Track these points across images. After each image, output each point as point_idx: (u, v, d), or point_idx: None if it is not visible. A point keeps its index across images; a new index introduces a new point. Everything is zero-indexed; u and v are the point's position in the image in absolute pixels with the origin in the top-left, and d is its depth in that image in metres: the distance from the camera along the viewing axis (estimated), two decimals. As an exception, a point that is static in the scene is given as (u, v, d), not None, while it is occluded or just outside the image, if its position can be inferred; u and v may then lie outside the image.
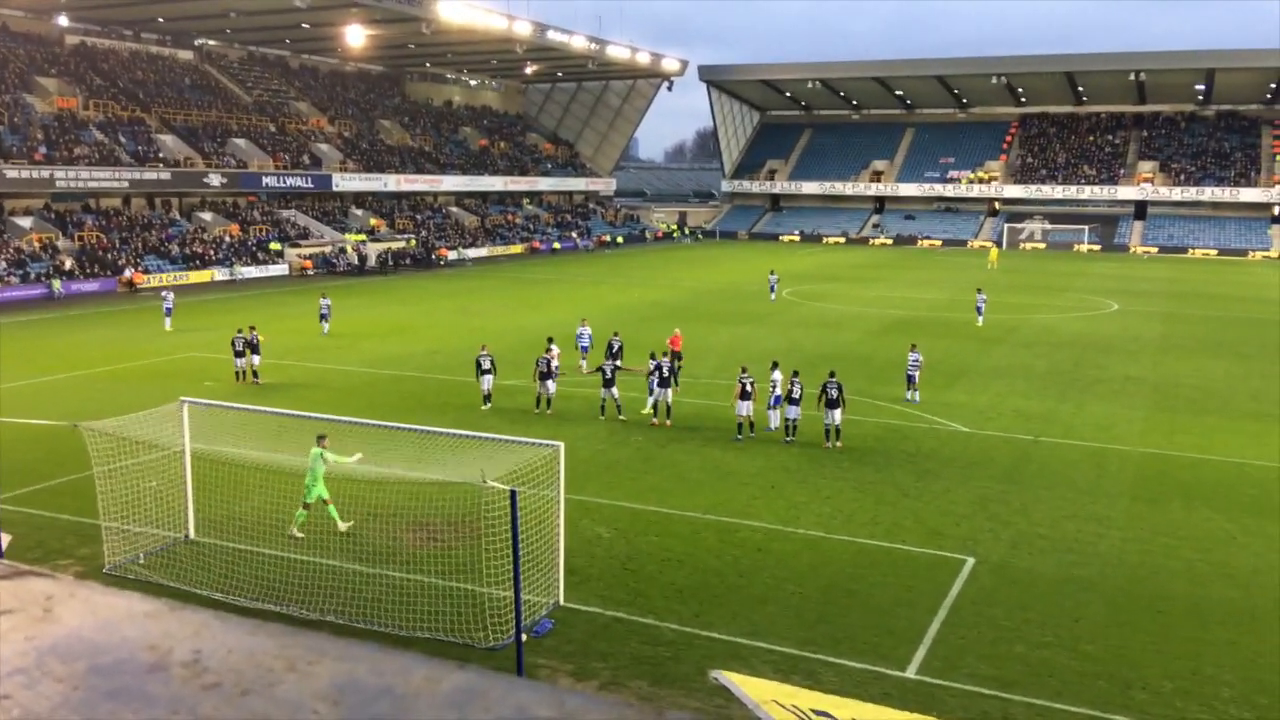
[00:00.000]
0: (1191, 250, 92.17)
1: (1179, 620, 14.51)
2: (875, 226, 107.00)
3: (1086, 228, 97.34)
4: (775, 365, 25.59)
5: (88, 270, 57.79)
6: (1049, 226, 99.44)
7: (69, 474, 20.19)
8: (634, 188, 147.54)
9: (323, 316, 40.62)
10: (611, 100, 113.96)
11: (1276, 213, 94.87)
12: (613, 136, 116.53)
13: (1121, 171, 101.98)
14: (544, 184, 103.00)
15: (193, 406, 17.32)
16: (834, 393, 23.42)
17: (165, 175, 66.65)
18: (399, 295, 55.51)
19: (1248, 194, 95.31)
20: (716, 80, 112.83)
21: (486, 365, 26.99)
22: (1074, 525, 18.44)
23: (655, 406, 25.73)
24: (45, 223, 61.14)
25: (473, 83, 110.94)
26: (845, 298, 54.80)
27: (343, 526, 17.26)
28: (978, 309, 44.45)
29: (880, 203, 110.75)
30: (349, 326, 41.64)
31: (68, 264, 57.26)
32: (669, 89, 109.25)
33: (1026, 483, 21.08)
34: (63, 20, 73.32)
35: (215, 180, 69.69)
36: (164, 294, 43.81)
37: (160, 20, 76.26)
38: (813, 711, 11.74)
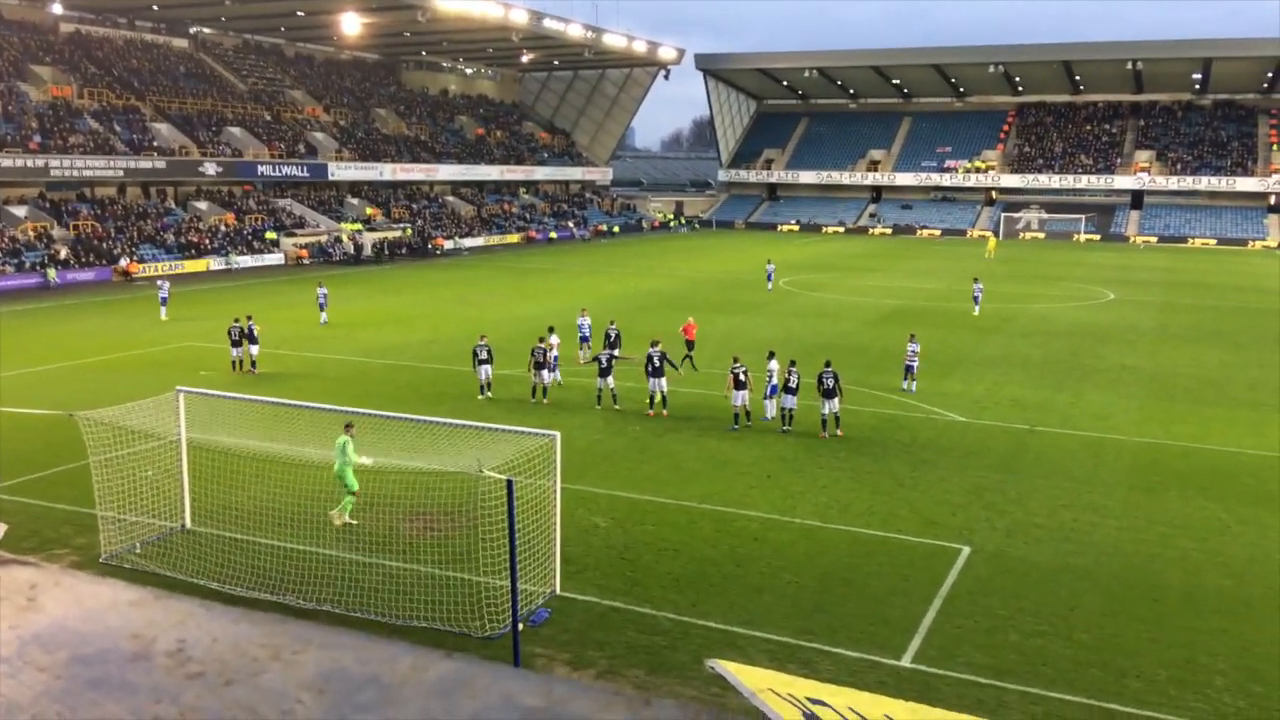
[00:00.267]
0: (1191, 240, 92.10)
1: (1174, 609, 14.55)
2: (872, 216, 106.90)
3: (1083, 217, 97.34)
4: (772, 355, 25.55)
5: (83, 259, 57.63)
6: (1045, 216, 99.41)
7: (65, 463, 20.17)
8: (630, 177, 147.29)
9: (320, 306, 40.60)
10: (608, 89, 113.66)
11: (1273, 202, 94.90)
12: (609, 125, 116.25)
13: (1118, 161, 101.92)
14: (540, 173, 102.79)
15: (188, 396, 17.28)
16: (830, 382, 23.41)
17: (160, 164, 66.43)
18: (395, 285, 55.43)
19: (1244, 183, 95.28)
20: (713, 69, 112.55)
21: (484, 355, 26.97)
22: (1070, 514, 18.47)
23: (651, 398, 25.67)
24: (40, 212, 60.95)
25: (468, 71, 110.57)
26: (842, 287, 54.78)
27: (338, 521, 17.23)
28: (974, 298, 44.47)
29: (877, 192, 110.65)
30: (345, 316, 41.59)
31: (63, 253, 57.09)
32: (665, 78, 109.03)
33: (1022, 472, 21.11)
34: (56, 8, 72.92)
35: (210, 169, 69.48)
36: (159, 283, 43.71)
37: (155, 8, 75.91)
38: (809, 700, 11.75)
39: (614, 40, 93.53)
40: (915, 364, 28.56)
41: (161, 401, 17.35)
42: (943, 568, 15.88)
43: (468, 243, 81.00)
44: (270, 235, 68.73)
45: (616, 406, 25.90)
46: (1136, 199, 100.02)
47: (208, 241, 64.88)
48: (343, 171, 79.81)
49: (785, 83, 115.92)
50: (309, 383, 29.12)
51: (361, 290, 51.96)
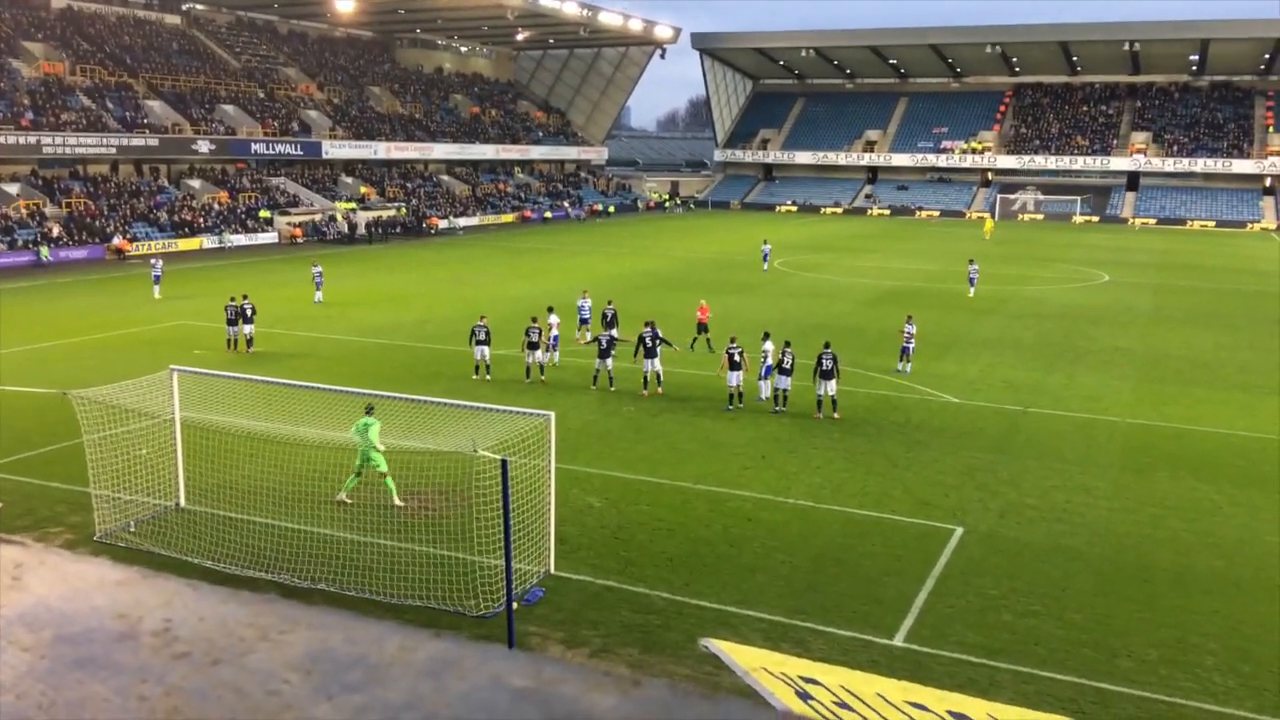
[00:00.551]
0: (1190, 223, 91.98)
1: (1165, 589, 14.62)
2: (868, 197, 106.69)
3: (1079, 198, 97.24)
4: (766, 336, 25.53)
5: (76, 237, 57.38)
6: (1041, 197, 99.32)
7: (59, 442, 20.14)
8: (626, 157, 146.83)
9: (316, 285, 40.48)
10: (604, 68, 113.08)
11: (1268, 184, 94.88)
12: (605, 105, 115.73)
13: (1114, 142, 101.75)
14: (535, 153, 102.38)
15: (182, 375, 17.24)
16: (828, 364, 23.38)
17: (153, 141, 66.05)
18: (390, 264, 55.27)
19: (1240, 165, 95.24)
20: (709, 48, 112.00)
21: (482, 336, 26.82)
22: (1062, 495, 18.54)
23: (645, 378, 25.64)
24: (32, 189, 60.64)
25: (463, 49, 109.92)
26: (838, 268, 54.73)
27: (399, 501, 17.22)
28: (970, 280, 44.45)
29: (873, 173, 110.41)
30: (339, 295, 41.49)
31: (55, 231, 56.83)
32: (662, 57, 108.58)
33: (1015, 453, 21.17)
34: (48, -17, 72.32)
35: (204, 147, 69.11)
36: (153, 261, 43.56)
37: (147, -16, 75.27)
38: (801, 679, 11.82)
39: (610, 18, 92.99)
40: (911, 345, 28.57)
41: (155, 380, 17.31)
42: (935, 548, 15.94)
43: (462, 222, 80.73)
44: (264, 214, 68.46)
45: (612, 388, 25.90)
46: (1132, 180, 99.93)
47: (201, 220, 64.60)
48: (337, 150, 79.44)
49: (782, 62, 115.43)
50: (304, 362, 29.07)
51: (356, 269, 51.81)
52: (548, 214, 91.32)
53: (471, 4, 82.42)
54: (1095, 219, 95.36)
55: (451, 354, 29.89)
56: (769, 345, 25.00)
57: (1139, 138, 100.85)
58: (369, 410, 17.00)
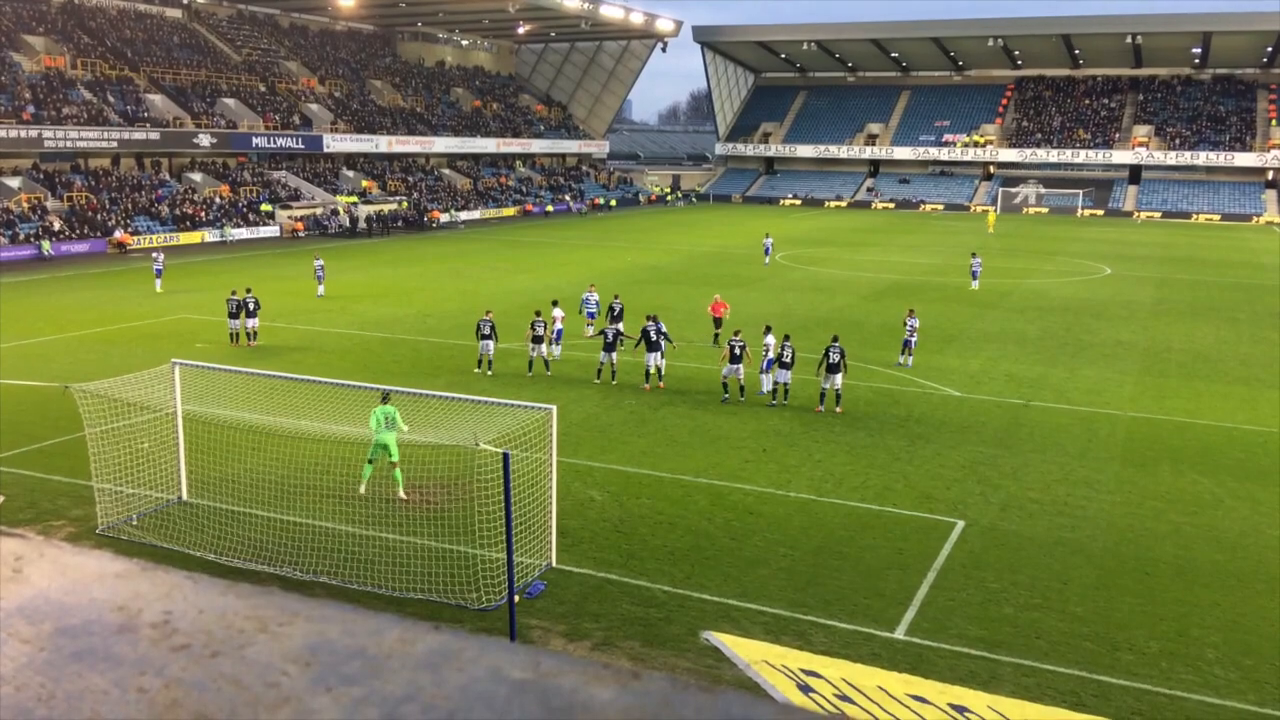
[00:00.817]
0: (1196, 216, 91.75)
1: (1166, 583, 14.63)
2: (869, 190, 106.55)
3: (1081, 192, 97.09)
4: (768, 329, 25.53)
5: (77, 231, 57.39)
6: (1043, 191, 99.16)
7: (61, 435, 20.17)
8: (627, 150, 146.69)
9: (318, 278, 40.49)
10: (605, 61, 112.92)
11: (1270, 177, 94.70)
12: (606, 98, 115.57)
13: (1117, 135, 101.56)
14: (536, 146, 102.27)
15: (184, 368, 17.26)
16: (835, 357, 23.33)
17: (154, 135, 66.01)
18: (391, 258, 55.26)
19: (1242, 159, 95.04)
20: (711, 41, 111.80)
21: (486, 330, 26.75)
22: (1064, 489, 18.54)
23: (646, 372, 25.66)
24: (34, 183, 60.62)
25: (464, 43, 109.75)
26: (840, 262, 54.69)
27: (404, 494, 17.27)
28: (973, 273, 44.37)
29: (875, 166, 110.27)
30: (341, 289, 41.50)
31: (57, 225, 56.83)
32: (663, 50, 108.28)
33: (1017, 447, 21.17)
34: (48, -23, 72.24)
35: (205, 140, 69.04)
36: (154, 255, 43.57)
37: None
38: (803, 671, 11.86)
39: (611, 11, 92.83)
40: (914, 339, 28.55)
41: (157, 374, 17.33)
42: (937, 541, 15.94)
43: (464, 216, 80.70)
44: (265, 207, 68.43)
45: (614, 382, 25.91)
46: (1134, 174, 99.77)
47: (202, 213, 64.58)
48: (338, 144, 79.37)
49: (783, 55, 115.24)
50: (305, 355, 29.09)
51: (358, 263, 51.81)
52: (549, 208, 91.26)
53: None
54: (1100, 212, 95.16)
55: (453, 348, 29.90)
56: (770, 339, 25.00)
57: (1141, 131, 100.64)
58: (385, 398, 16.95)
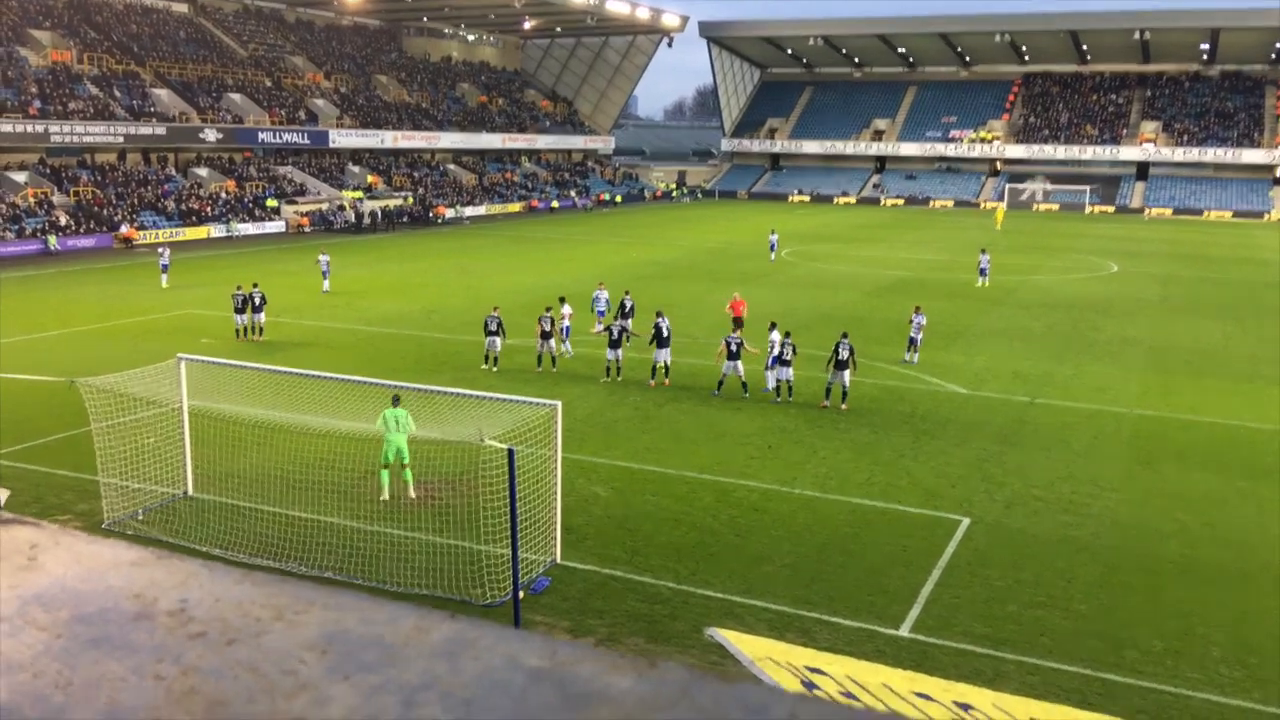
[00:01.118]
0: (1207, 213, 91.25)
1: (1171, 580, 14.61)
2: (875, 186, 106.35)
3: (1088, 188, 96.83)
4: (773, 326, 25.52)
5: (83, 226, 57.48)
6: (1050, 187, 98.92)
7: (67, 430, 20.21)
8: (633, 146, 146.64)
9: (323, 274, 40.53)
10: (611, 57, 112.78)
11: (1278, 174, 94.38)
12: (612, 94, 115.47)
13: (1124, 131, 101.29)
14: (542, 142, 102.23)
15: (189, 363, 17.29)
16: (845, 354, 23.30)
17: (160, 130, 66.09)
18: (397, 253, 55.29)
19: (1250, 155, 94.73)
20: (717, 37, 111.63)
21: (494, 327, 26.74)
22: (1069, 486, 18.51)
23: (654, 368, 25.67)
24: (40, 177, 60.72)
25: (470, 38, 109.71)
26: (846, 258, 54.62)
27: (414, 494, 17.24)
28: (981, 270, 44.17)
29: (881, 162, 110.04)
30: (347, 284, 41.52)
31: (63, 219, 56.94)
32: (669, 45, 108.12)
33: (1022, 444, 21.14)
34: (55, -28, 72.29)
35: (211, 135, 69.12)
36: (160, 250, 43.63)
37: (154, -28, 75.24)
38: (807, 668, 11.86)
39: (617, 7, 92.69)
40: (920, 336, 28.49)
41: (163, 368, 17.37)
42: (942, 538, 15.93)
43: (469, 211, 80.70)
44: (271, 203, 68.49)
45: (619, 378, 25.91)
46: (1142, 170, 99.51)
47: (208, 208, 64.66)
48: (344, 139, 79.39)
49: (790, 51, 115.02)
50: (311, 351, 29.12)
51: (363, 259, 51.83)
52: (555, 203, 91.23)
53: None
54: (1110, 209, 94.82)
55: (459, 343, 29.91)
56: (775, 335, 24.98)
57: (1149, 127, 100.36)
58: (396, 401, 16.93)
